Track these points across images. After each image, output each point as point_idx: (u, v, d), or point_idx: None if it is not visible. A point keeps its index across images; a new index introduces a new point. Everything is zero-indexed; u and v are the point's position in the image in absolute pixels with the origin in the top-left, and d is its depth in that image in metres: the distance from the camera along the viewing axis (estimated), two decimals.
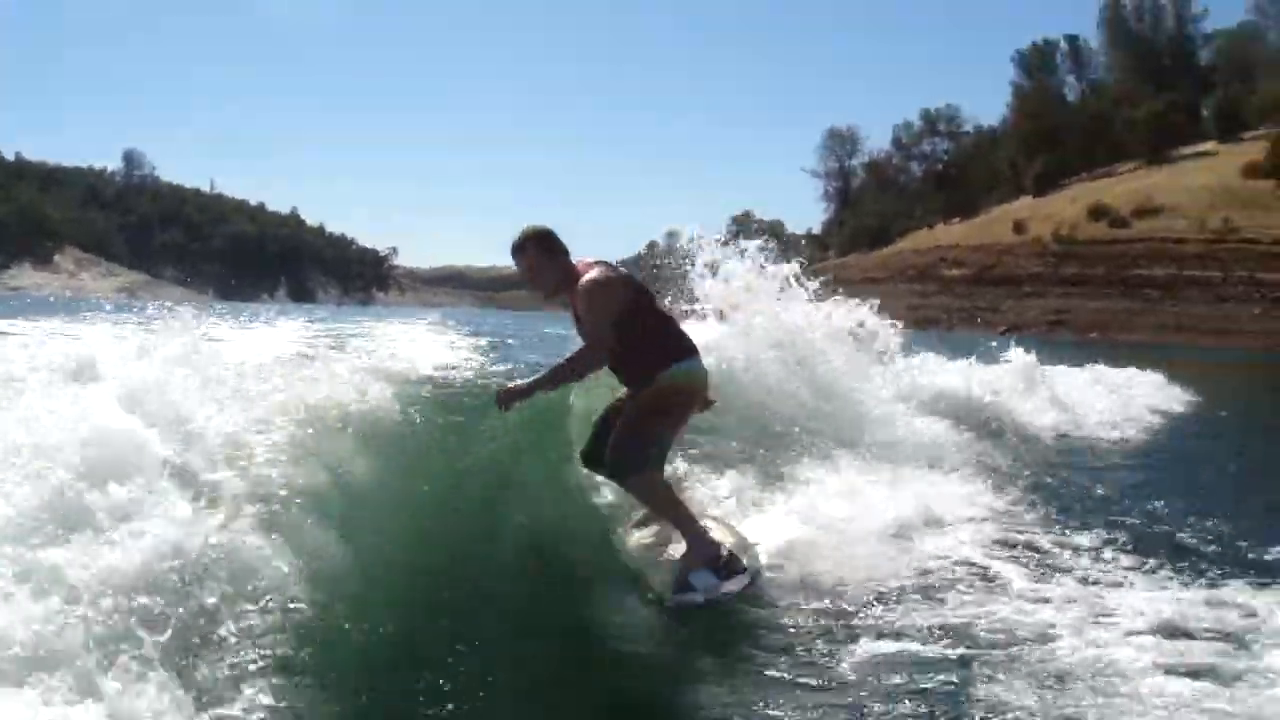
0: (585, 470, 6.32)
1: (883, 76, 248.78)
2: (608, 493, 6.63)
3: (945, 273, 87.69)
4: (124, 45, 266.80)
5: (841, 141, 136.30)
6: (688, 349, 5.88)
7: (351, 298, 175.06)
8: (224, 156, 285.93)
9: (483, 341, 13.08)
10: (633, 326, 5.67)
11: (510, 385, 5.82)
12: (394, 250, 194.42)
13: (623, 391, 6.13)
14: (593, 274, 5.69)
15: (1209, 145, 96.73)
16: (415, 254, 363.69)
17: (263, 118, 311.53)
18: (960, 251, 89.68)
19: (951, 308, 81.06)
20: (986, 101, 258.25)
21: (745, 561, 5.69)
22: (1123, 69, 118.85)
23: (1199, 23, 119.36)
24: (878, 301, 12.14)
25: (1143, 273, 77.50)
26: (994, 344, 15.83)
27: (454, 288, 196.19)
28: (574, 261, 5.83)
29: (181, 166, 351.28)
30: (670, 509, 5.78)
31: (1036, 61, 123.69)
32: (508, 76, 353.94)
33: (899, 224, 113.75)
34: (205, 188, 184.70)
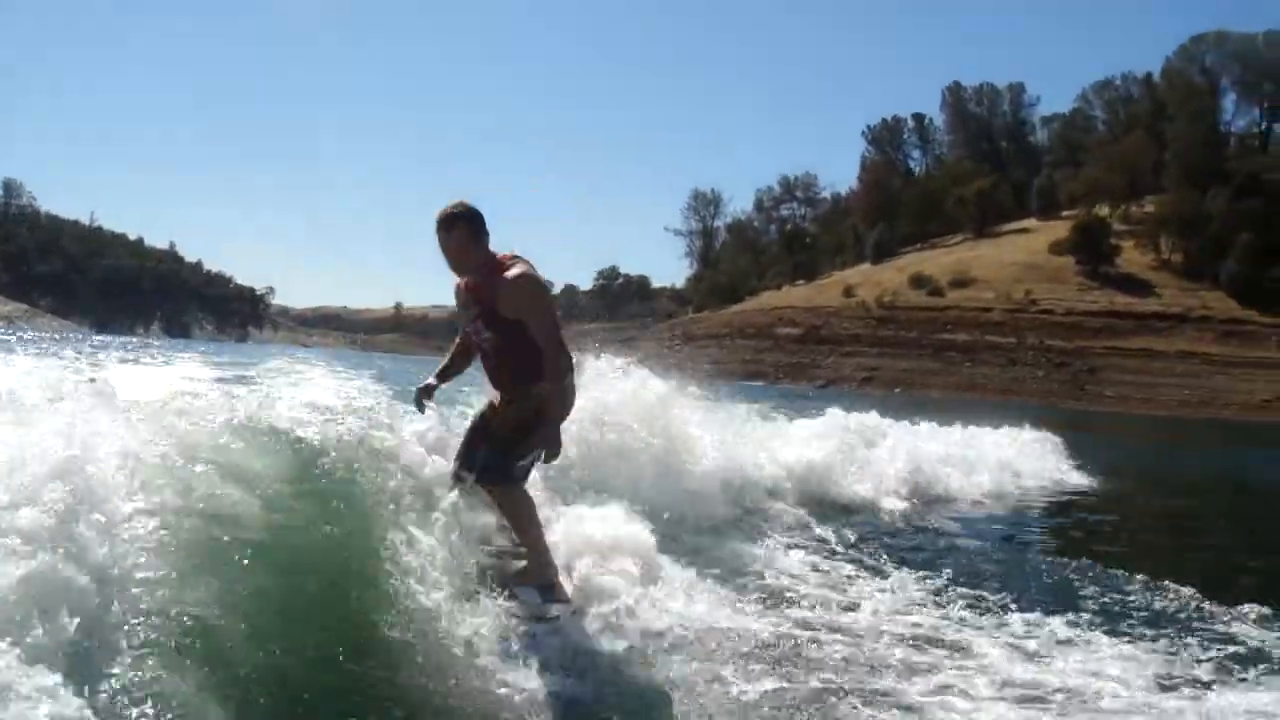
0: (452, 494, 5.73)
1: (752, 141, 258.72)
2: None
3: (779, 331, 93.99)
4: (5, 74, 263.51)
5: (705, 202, 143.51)
6: (568, 368, 5.72)
7: (227, 334, 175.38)
8: (104, 190, 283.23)
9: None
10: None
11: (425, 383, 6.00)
12: (270, 289, 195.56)
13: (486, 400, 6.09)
14: (525, 269, 5.54)
15: (1030, 222, 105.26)
16: (290, 293, 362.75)
17: (143, 152, 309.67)
18: (795, 312, 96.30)
19: (780, 363, 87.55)
20: (846, 170, 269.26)
21: (569, 594, 5.76)
22: (962, 147, 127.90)
23: (1032, 108, 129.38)
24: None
25: (949, 337, 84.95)
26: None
27: (328, 329, 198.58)
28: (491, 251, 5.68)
29: (61, 198, 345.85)
30: (530, 526, 5.74)
31: (885, 137, 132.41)
32: (383, 126, 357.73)
33: (752, 283, 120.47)
34: (85, 220, 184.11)
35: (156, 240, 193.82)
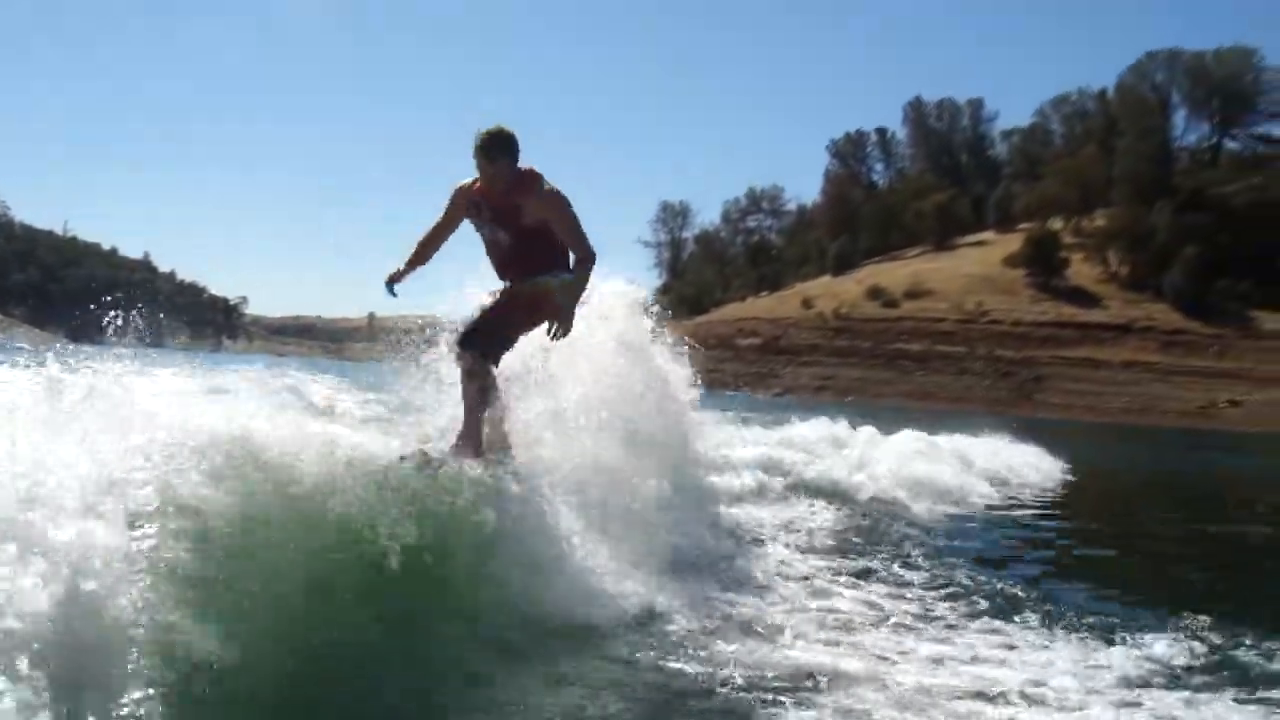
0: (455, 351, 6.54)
1: (721, 153, 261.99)
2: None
3: (740, 342, 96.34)
4: None
5: (673, 214, 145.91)
6: (591, 261, 6.50)
7: (201, 345, 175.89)
8: (78, 200, 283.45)
9: None
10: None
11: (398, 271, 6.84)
12: (244, 299, 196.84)
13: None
14: (554, 185, 6.40)
15: (987, 235, 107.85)
16: (264, 303, 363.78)
17: (118, 163, 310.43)
18: (757, 323, 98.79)
19: (740, 373, 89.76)
20: (814, 182, 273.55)
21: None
22: (924, 161, 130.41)
23: (991, 123, 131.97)
24: None
25: (902, 346, 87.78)
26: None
27: (302, 338, 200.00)
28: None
29: (35, 209, 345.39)
30: (482, 402, 6.37)
31: (849, 150, 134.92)
32: (356, 140, 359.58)
33: (717, 294, 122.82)
34: (58, 229, 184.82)
35: (130, 250, 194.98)
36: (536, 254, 6.42)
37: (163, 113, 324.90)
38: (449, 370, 6.96)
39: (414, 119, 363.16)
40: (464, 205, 6.64)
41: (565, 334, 6.50)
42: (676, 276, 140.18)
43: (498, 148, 6.24)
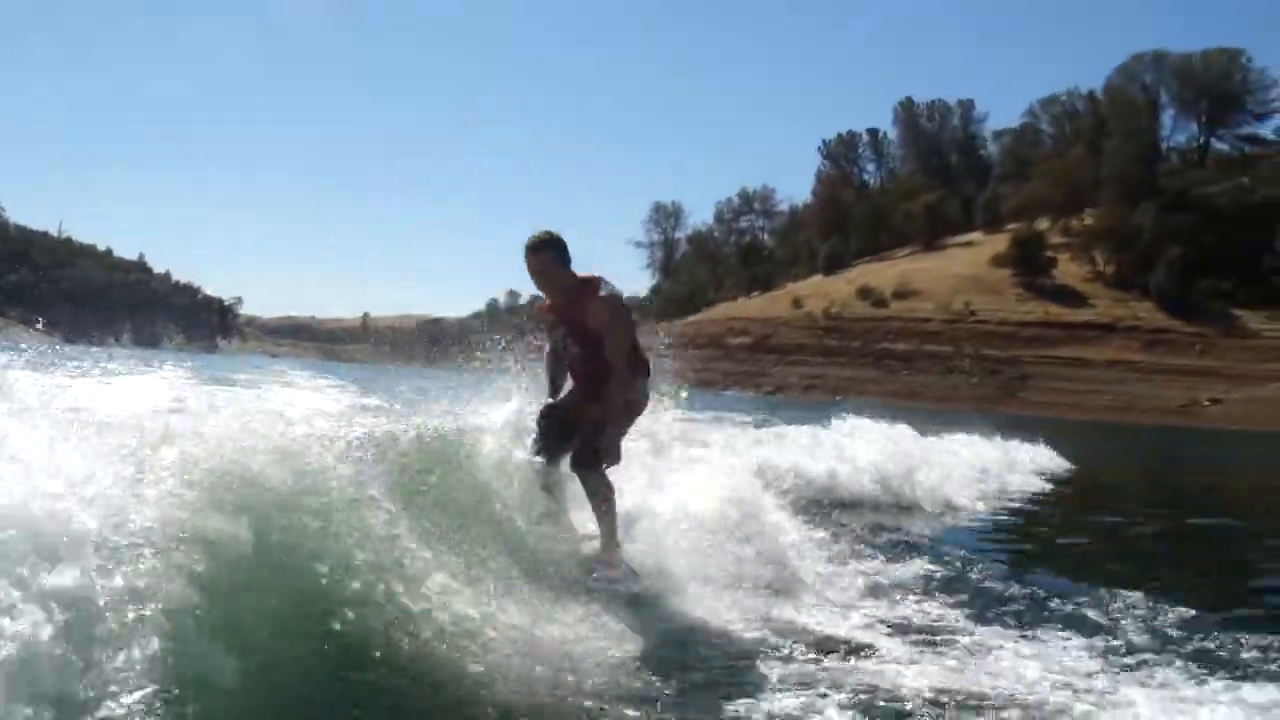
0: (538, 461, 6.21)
1: (716, 153, 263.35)
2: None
3: (730, 341, 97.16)
4: None
5: (666, 215, 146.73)
6: (642, 377, 6.32)
7: (196, 345, 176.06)
8: (74, 200, 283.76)
9: None
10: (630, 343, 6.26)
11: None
12: (239, 299, 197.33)
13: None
14: (611, 290, 6.27)
15: (975, 235, 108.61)
16: (260, 303, 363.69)
17: (115, 164, 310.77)
18: (747, 323, 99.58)
19: (730, 371, 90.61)
20: (807, 182, 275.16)
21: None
22: (915, 162, 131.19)
23: (981, 123, 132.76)
24: None
25: (890, 346, 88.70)
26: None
27: (297, 339, 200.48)
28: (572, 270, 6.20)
29: (31, 210, 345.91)
30: (611, 503, 6.10)
31: (840, 151, 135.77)
32: (355, 140, 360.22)
33: (710, 294, 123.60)
34: (53, 230, 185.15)
35: (125, 251, 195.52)
36: (602, 361, 6.11)
37: (161, 113, 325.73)
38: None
39: (413, 119, 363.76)
40: (552, 320, 6.52)
41: (614, 463, 6.16)
42: (669, 277, 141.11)
43: (541, 243, 6.13)
